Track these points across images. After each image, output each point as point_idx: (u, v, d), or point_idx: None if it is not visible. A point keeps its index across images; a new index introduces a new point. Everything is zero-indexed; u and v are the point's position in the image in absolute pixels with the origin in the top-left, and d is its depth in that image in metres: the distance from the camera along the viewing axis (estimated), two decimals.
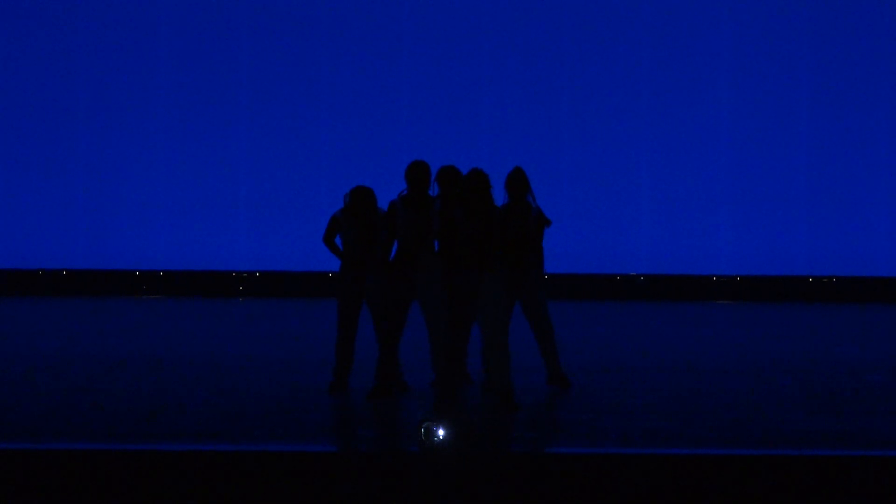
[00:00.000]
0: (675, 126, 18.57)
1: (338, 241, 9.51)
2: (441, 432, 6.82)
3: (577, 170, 18.52)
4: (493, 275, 8.79)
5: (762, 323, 15.65)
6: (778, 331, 14.73)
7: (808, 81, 18.51)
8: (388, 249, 9.32)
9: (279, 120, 18.74)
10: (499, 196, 9.27)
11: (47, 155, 18.78)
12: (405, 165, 9.40)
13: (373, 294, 9.26)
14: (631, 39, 18.55)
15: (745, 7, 18.49)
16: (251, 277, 18.82)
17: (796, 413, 8.55)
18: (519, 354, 9.18)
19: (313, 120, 18.75)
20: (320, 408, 8.76)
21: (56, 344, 12.52)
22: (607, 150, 18.59)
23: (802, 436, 7.69)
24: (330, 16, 18.70)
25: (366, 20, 18.64)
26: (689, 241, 18.59)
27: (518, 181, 9.41)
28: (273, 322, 15.38)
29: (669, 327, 15.01)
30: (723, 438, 7.59)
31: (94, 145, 18.77)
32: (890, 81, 18.50)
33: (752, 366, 11.13)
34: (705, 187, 18.58)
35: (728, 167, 18.56)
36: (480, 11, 18.59)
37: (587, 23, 18.57)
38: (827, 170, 18.52)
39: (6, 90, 18.74)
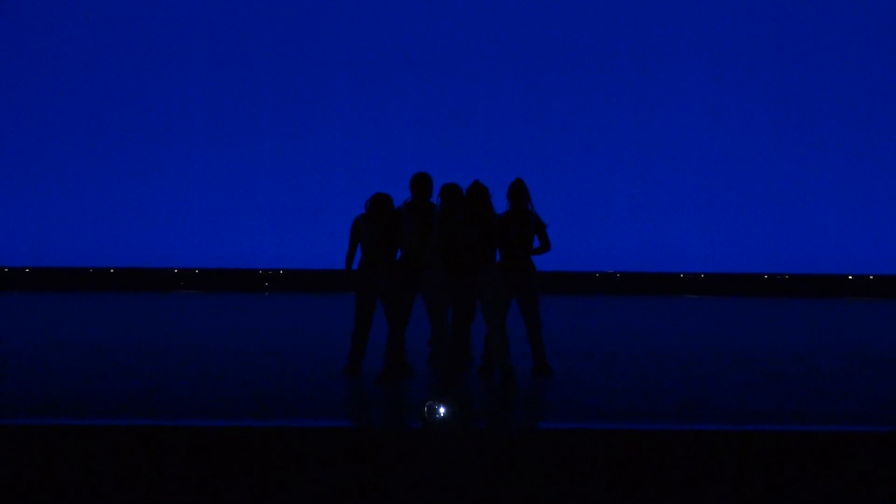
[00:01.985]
0: (649, 145, 18.60)
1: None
2: (442, 411, 6.84)
3: (563, 180, 18.55)
4: (493, 272, 8.84)
5: (724, 315, 15.67)
6: (737, 322, 14.74)
7: (766, 93, 18.54)
8: (396, 250, 9.36)
9: (300, 139, 18.77)
10: (500, 204, 9.30)
11: (99, 171, 18.84)
12: (409, 176, 9.46)
13: (386, 289, 9.28)
14: (606, 67, 18.59)
15: (720, 15, 18.52)
16: (275, 275, 18.85)
17: (752, 394, 8.57)
18: (513, 343, 9.20)
19: (329, 139, 18.78)
20: (336, 389, 8.78)
21: (105, 333, 12.56)
22: (589, 164, 18.62)
23: (757, 414, 7.71)
24: (346, 48, 18.74)
25: (377, 52, 18.67)
26: (660, 243, 18.61)
27: (519, 191, 9.43)
28: (295, 314, 15.40)
29: (642, 319, 15.04)
30: (688, 416, 7.62)
31: (140, 163, 18.82)
32: (845, 82, 18.52)
33: (715, 352, 11.15)
34: (674, 197, 18.61)
35: (694, 179, 18.60)
36: (476, 45, 18.63)
37: (570, 49, 18.60)
38: (778, 179, 18.54)
39: (63, 105, 18.79)
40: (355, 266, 9.42)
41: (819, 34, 18.51)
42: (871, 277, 18.55)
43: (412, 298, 9.31)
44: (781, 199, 18.58)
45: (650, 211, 18.63)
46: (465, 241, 8.75)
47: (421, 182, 9.34)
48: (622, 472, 6.58)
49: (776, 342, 12.20)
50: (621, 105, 18.63)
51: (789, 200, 18.58)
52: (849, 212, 18.55)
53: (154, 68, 18.81)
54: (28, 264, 18.92)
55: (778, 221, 18.59)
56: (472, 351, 10.06)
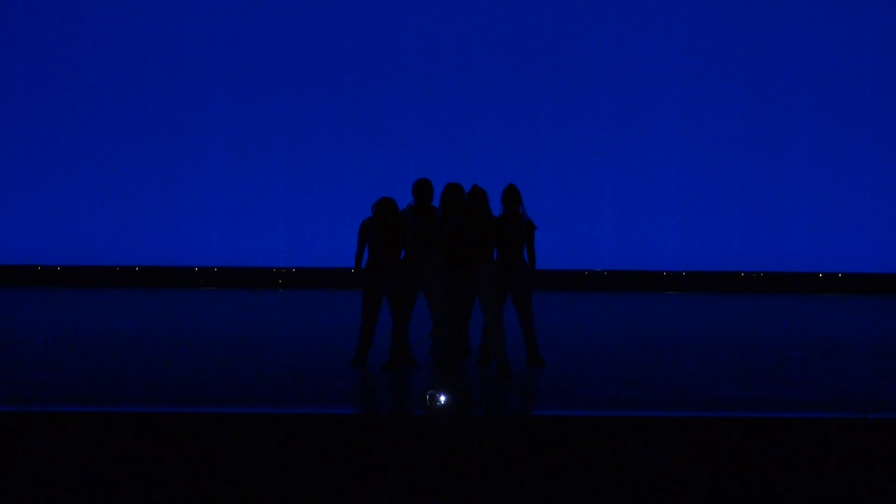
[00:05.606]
0: (632, 155, 18.63)
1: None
2: (442, 398, 6.85)
3: (554, 186, 18.57)
4: (490, 269, 8.85)
5: (702, 310, 15.68)
6: (715, 317, 14.75)
7: (738, 101, 18.54)
8: (400, 250, 9.36)
9: (311, 147, 18.80)
10: (495, 207, 9.32)
11: (125, 177, 18.89)
12: (412, 182, 9.49)
13: (391, 286, 9.28)
14: (591, 79, 18.61)
15: (694, 23, 18.52)
16: (288, 273, 18.87)
17: (728, 383, 8.58)
18: (508, 336, 9.21)
19: (338, 147, 18.81)
20: (344, 378, 8.79)
21: (131, 326, 12.55)
22: (577, 171, 18.64)
23: (733, 401, 7.72)
24: (357, 63, 18.78)
25: (385, 68, 18.72)
26: (644, 244, 18.63)
27: (512, 195, 9.44)
28: (306, 309, 15.41)
29: (628, 314, 15.04)
30: (670, 403, 7.62)
31: (163, 170, 18.84)
32: (816, 90, 18.52)
33: (694, 345, 11.15)
34: (657, 200, 18.62)
35: (675, 185, 18.62)
36: (472, 62, 18.67)
37: (556, 63, 18.63)
38: (753, 184, 18.56)
39: (94, 113, 18.81)
40: (363, 265, 9.43)
41: (789, 40, 18.50)
42: (840, 275, 18.56)
43: (415, 294, 9.32)
44: (756, 203, 18.59)
45: (635, 214, 18.64)
46: (464, 241, 8.77)
47: (423, 187, 9.37)
48: (609, 456, 6.58)
49: (751, 335, 12.21)
50: (607, 118, 18.63)
51: (763, 204, 18.59)
52: (819, 214, 18.55)
53: (175, 81, 18.81)
54: (60, 263, 18.93)
55: (753, 223, 18.60)
56: (470, 343, 10.06)
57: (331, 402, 7.61)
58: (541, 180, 18.41)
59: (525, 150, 18.60)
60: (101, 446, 6.60)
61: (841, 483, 6.28)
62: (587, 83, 18.63)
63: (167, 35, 18.81)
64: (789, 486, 6.19)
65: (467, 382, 8.32)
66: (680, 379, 8.76)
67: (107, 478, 6.30)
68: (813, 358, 10.14)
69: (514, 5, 18.67)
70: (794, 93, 18.52)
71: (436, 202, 9.33)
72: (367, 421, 7.03)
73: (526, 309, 9.45)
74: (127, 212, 18.87)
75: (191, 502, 6.09)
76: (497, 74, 18.66)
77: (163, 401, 7.53)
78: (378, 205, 9.30)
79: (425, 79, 18.68)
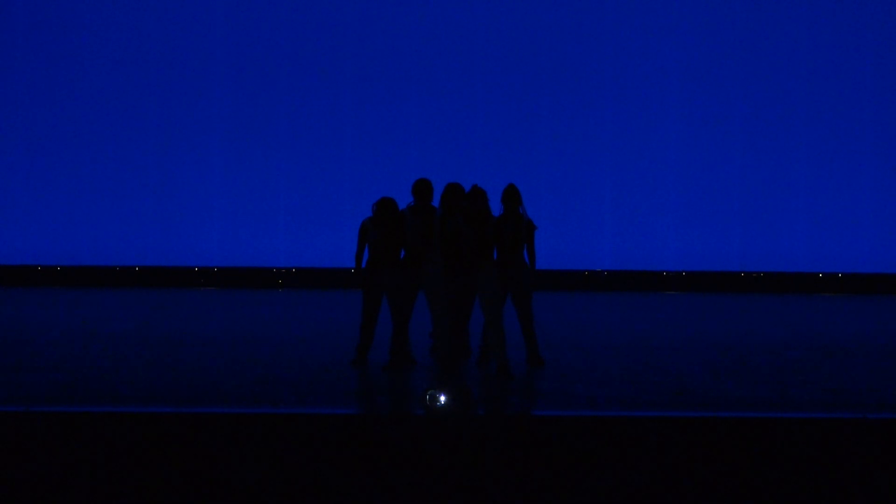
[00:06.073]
0: (633, 154, 18.63)
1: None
2: (442, 398, 6.85)
3: (554, 186, 18.57)
4: (489, 270, 8.85)
5: (702, 310, 15.68)
6: (715, 316, 14.75)
7: (738, 101, 18.55)
8: (400, 250, 9.37)
9: (312, 147, 18.81)
10: (495, 207, 9.33)
11: (124, 178, 18.89)
12: (412, 182, 9.49)
13: (391, 286, 9.28)
14: (591, 79, 18.61)
15: (695, 25, 18.54)
16: (289, 273, 18.87)
17: (728, 383, 8.58)
18: (508, 336, 9.22)
19: (339, 147, 18.81)
20: (344, 378, 8.79)
21: (131, 326, 12.54)
22: (577, 171, 18.65)
23: (733, 401, 7.72)
24: (357, 63, 18.80)
25: (385, 67, 18.73)
26: (645, 243, 18.63)
27: (512, 195, 9.45)
28: (306, 309, 15.41)
29: (628, 313, 15.04)
30: (670, 403, 7.63)
31: (162, 170, 18.85)
32: (815, 90, 18.53)
33: (694, 344, 11.15)
34: (657, 200, 18.63)
35: (675, 185, 18.62)
36: (472, 62, 18.68)
37: (557, 62, 18.63)
38: (753, 184, 18.56)
39: (96, 115, 18.81)
40: (363, 265, 9.43)
41: (789, 40, 18.51)
42: (840, 275, 18.57)
43: (415, 294, 9.32)
44: (756, 203, 18.60)
45: (635, 213, 18.64)
46: (464, 241, 8.78)
47: (422, 187, 9.38)
48: (609, 456, 6.59)
49: (750, 335, 12.21)
50: (607, 118, 18.64)
51: (763, 204, 18.60)
52: (819, 214, 18.56)
53: (175, 81, 18.81)
54: (60, 263, 18.93)
55: (753, 223, 18.60)
56: (470, 343, 10.06)
57: (331, 402, 7.61)
58: (541, 180, 18.42)
59: (525, 150, 18.61)
60: (101, 446, 6.60)
61: (841, 483, 6.28)
62: (587, 83, 18.64)
63: (167, 34, 18.83)
64: (789, 486, 6.19)
65: (467, 382, 8.32)
66: (680, 379, 8.76)
67: (107, 478, 6.30)
68: (813, 358, 10.14)
69: (514, 5, 18.68)
70: (794, 93, 18.54)
71: (436, 202, 9.34)
72: (367, 421, 7.03)
73: (526, 309, 9.45)
74: (127, 212, 18.88)
75: (191, 502, 6.08)
76: (497, 74, 18.67)
77: (163, 401, 7.53)
78: (378, 205, 9.31)
79: (425, 79, 18.69)
